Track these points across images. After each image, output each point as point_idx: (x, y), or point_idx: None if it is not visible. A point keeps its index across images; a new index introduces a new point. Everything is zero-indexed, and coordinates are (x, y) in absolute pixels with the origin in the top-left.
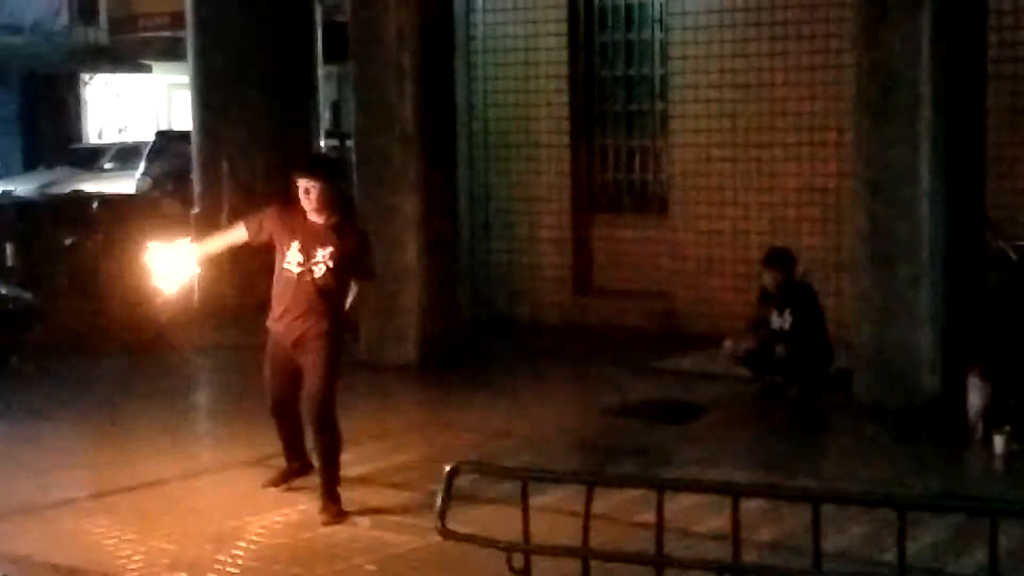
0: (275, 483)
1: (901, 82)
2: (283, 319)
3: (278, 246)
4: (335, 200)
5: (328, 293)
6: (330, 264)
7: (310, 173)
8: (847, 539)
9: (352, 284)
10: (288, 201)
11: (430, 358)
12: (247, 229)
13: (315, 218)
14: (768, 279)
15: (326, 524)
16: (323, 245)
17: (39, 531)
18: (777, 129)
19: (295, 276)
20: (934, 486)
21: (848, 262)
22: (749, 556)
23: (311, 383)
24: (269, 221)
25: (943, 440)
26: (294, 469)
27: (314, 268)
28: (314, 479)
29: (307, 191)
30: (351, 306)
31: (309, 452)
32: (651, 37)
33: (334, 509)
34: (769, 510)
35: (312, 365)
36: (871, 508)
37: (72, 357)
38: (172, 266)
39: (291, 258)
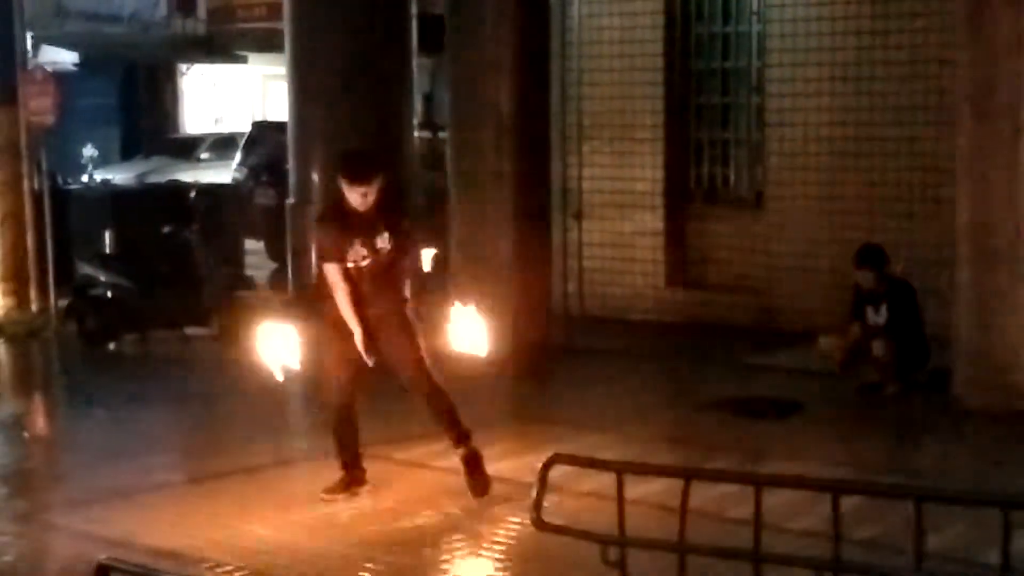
0: (336, 491)
1: (1003, 77)
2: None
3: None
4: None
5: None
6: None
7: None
8: (947, 539)
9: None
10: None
11: (523, 351)
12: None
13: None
14: (861, 278)
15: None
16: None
17: (137, 515)
18: (876, 124)
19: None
20: None
21: (949, 259)
22: (847, 554)
23: None
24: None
25: None
26: (358, 476)
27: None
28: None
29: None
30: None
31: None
32: (749, 29)
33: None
34: (865, 508)
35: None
36: (970, 508)
37: (169, 344)
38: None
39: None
